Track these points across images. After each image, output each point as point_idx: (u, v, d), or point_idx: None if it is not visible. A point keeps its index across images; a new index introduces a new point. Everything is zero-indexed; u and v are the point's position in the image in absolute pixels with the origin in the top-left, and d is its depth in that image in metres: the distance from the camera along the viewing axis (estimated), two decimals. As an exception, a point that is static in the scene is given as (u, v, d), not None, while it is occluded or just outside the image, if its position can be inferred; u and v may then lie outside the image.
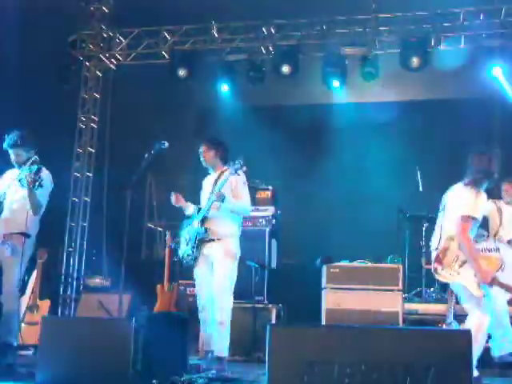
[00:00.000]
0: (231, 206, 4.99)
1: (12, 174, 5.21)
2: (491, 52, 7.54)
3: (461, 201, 4.41)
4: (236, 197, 5.01)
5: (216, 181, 5.10)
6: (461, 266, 4.34)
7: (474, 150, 4.62)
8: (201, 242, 4.99)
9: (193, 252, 5.01)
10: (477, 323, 4.29)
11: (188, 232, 5.11)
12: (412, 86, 8.33)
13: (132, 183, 4.97)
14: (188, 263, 5.09)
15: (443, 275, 4.41)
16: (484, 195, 4.44)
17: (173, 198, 5.17)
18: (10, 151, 5.16)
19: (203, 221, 4.99)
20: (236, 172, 4.90)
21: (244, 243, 6.37)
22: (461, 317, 5.82)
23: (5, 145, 5.17)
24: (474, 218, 4.33)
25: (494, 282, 4.25)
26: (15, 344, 4.95)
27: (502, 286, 4.37)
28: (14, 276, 4.94)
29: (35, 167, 5.01)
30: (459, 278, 4.34)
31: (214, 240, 4.98)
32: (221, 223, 5.01)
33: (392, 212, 7.09)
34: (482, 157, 4.53)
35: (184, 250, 5.11)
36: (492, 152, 4.57)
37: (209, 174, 5.32)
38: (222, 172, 5.13)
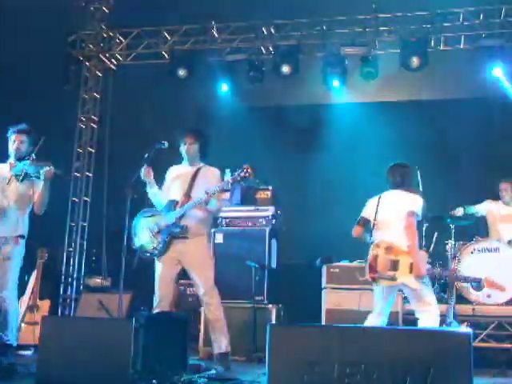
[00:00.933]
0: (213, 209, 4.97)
1: (5, 169, 5.08)
2: (491, 52, 7.54)
3: (406, 202, 4.84)
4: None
5: (194, 177, 4.99)
6: (394, 269, 4.63)
7: (396, 163, 5.12)
8: (173, 238, 4.91)
9: (163, 245, 4.90)
10: (435, 317, 4.63)
11: (156, 224, 4.97)
12: (412, 85, 8.33)
13: (131, 183, 4.96)
14: (152, 255, 4.97)
15: (382, 281, 4.69)
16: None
17: (144, 170, 5.02)
18: (15, 136, 5.08)
19: (181, 217, 4.88)
20: (239, 181, 4.81)
21: (244, 243, 6.39)
22: (461, 317, 5.84)
23: (11, 131, 5.11)
24: (417, 215, 4.78)
25: (427, 272, 4.72)
26: (15, 344, 4.96)
27: (432, 274, 4.93)
28: (12, 277, 4.96)
29: (45, 167, 4.96)
30: (398, 279, 4.62)
31: (187, 237, 4.89)
32: (197, 221, 4.93)
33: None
34: (405, 169, 5.06)
35: (146, 241, 4.98)
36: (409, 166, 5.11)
37: (180, 163, 5.18)
38: (199, 169, 5.04)
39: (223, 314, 4.98)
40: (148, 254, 5.01)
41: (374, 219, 4.89)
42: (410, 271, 4.58)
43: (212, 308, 4.91)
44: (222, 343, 4.91)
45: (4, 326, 4.89)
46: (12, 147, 5.10)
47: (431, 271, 5.00)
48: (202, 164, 5.14)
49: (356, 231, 5.06)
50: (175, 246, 4.94)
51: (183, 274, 5.23)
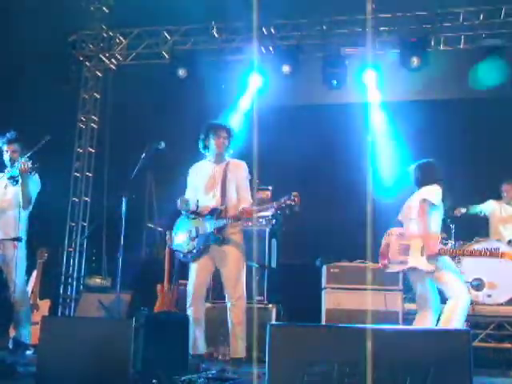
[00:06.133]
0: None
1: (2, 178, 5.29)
2: (491, 52, 7.54)
3: (421, 194, 4.87)
4: (241, 198, 4.97)
5: (224, 178, 4.95)
6: (406, 254, 4.63)
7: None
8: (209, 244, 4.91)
9: (198, 251, 4.90)
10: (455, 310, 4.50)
11: (196, 228, 4.94)
12: (412, 85, 8.33)
13: (128, 185, 4.99)
14: (184, 258, 4.99)
15: (392, 267, 4.74)
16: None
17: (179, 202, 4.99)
18: (6, 147, 5.29)
19: (220, 228, 4.86)
20: (283, 208, 4.79)
21: (244, 243, 6.39)
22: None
23: (1, 142, 5.27)
24: (430, 202, 4.74)
25: (441, 252, 4.59)
26: (27, 341, 5.11)
27: (452, 253, 4.85)
28: (18, 279, 5.06)
29: (28, 159, 5.08)
30: (409, 263, 4.63)
31: (224, 243, 4.88)
32: (232, 228, 4.94)
33: (392, 212, 7.08)
34: (425, 166, 5.15)
35: (182, 242, 4.98)
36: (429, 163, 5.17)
37: (204, 159, 5.15)
38: (227, 165, 5.02)
39: (245, 320, 4.99)
40: (182, 256, 5.02)
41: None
42: (422, 254, 4.58)
43: (236, 311, 4.90)
44: (238, 348, 4.94)
45: (18, 324, 5.18)
46: (6, 157, 5.33)
47: None
48: (228, 159, 5.09)
49: None
50: (211, 251, 4.93)
51: (184, 274, 5.23)
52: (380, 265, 4.81)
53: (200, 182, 5.07)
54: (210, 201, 4.98)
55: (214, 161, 5.09)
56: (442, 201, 4.79)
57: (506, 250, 5.16)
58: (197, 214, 4.99)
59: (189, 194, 5.09)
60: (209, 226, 4.90)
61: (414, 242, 4.63)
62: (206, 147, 5.08)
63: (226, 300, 4.99)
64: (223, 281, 4.98)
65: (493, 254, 4.87)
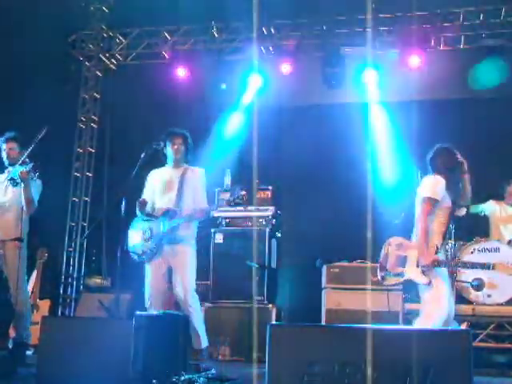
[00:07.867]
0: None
1: (2, 177, 5.29)
2: (491, 52, 7.55)
3: (420, 189, 4.56)
4: (196, 201, 5.05)
5: (181, 183, 5.06)
6: (403, 265, 4.43)
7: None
8: (163, 244, 4.99)
9: (151, 251, 4.97)
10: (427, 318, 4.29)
11: (150, 228, 5.03)
12: (412, 86, 8.33)
13: (128, 185, 5.00)
14: (139, 258, 5.04)
15: (390, 279, 4.53)
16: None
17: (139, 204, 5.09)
18: (5, 145, 5.31)
19: (173, 228, 4.95)
20: (234, 200, 4.93)
21: (244, 243, 6.40)
22: (460, 317, 5.84)
23: (1, 140, 5.29)
24: (431, 199, 4.41)
25: (435, 263, 4.28)
26: (27, 342, 5.14)
27: (441, 264, 4.36)
28: (18, 280, 5.06)
29: (30, 164, 5.10)
30: (406, 275, 4.42)
31: (176, 243, 4.97)
32: (185, 228, 5.03)
33: (392, 212, 7.08)
34: (436, 152, 4.77)
35: (137, 243, 5.05)
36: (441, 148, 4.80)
37: (163, 166, 5.27)
38: (185, 171, 5.13)
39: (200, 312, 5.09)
40: (136, 257, 5.08)
41: None
42: (418, 265, 4.35)
43: (192, 310, 4.94)
44: (201, 340, 4.98)
45: (18, 325, 5.16)
46: (4, 155, 5.33)
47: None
48: (185, 165, 5.22)
49: None
50: (164, 251, 5.00)
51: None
52: (379, 277, 4.60)
53: (157, 185, 5.20)
54: (166, 204, 5.07)
55: (172, 166, 5.22)
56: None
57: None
58: (152, 215, 5.10)
59: (145, 197, 5.20)
60: (162, 227, 4.97)
61: (411, 253, 4.42)
62: (164, 154, 5.23)
63: (178, 300, 5.01)
64: (173, 279, 5.01)
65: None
